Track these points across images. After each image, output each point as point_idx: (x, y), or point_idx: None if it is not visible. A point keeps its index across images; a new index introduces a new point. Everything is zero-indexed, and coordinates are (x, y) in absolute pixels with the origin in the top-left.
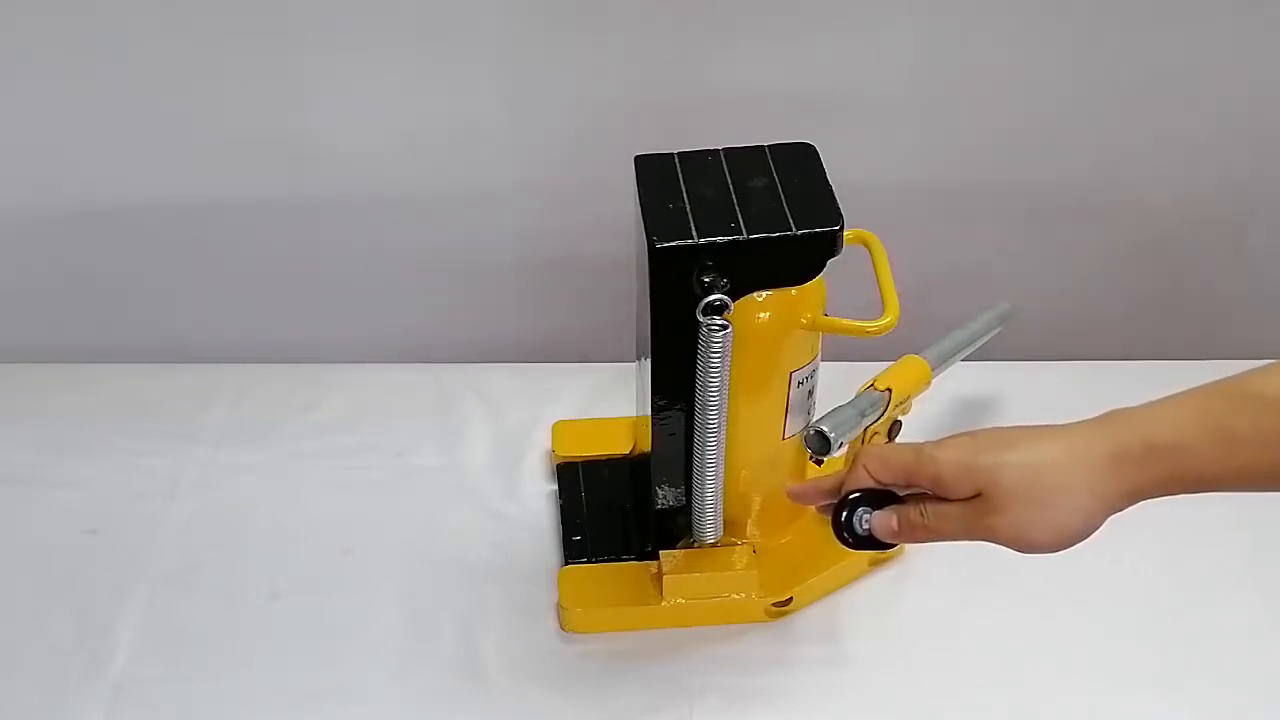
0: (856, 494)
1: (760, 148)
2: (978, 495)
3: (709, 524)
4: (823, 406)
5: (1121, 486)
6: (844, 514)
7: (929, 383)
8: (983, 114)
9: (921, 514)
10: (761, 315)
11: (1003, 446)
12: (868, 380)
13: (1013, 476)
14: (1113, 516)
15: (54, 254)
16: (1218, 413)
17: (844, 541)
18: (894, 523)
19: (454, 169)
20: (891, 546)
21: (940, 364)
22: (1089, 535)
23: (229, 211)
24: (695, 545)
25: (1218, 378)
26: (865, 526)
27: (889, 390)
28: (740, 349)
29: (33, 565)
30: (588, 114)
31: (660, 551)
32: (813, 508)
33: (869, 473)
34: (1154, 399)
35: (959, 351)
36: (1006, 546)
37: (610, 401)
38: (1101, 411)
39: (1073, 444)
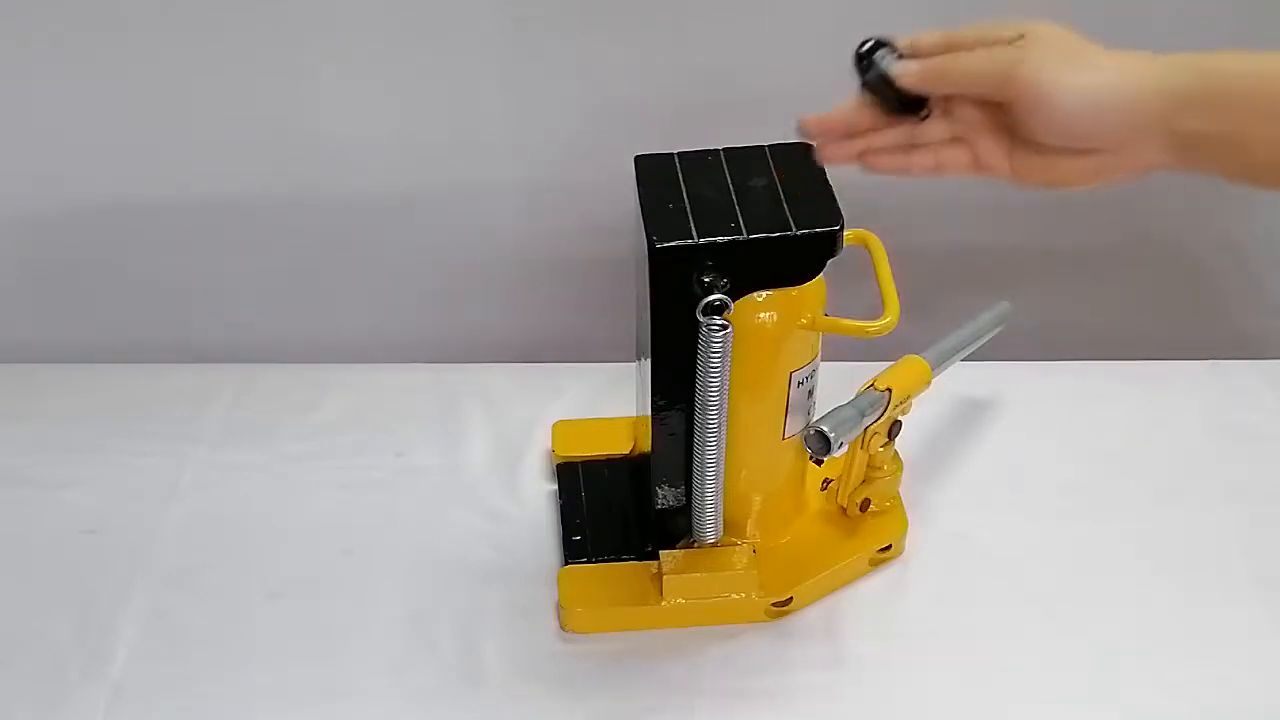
0: (883, 38)
1: (760, 148)
2: (1020, 36)
3: (709, 524)
4: (823, 406)
5: (1157, 69)
6: (867, 45)
7: (929, 383)
8: None
9: (950, 58)
10: (761, 315)
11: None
12: (868, 380)
13: (1060, 31)
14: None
15: (54, 253)
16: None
17: (861, 71)
18: (914, 64)
19: (454, 169)
20: (901, 108)
21: (940, 364)
22: (1104, 122)
23: (228, 211)
24: (695, 545)
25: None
26: (884, 65)
27: (889, 390)
28: (740, 349)
29: (33, 565)
30: (588, 114)
31: (660, 551)
32: (813, 508)
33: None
34: None
35: (959, 351)
36: (1023, 94)
37: (610, 401)
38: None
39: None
